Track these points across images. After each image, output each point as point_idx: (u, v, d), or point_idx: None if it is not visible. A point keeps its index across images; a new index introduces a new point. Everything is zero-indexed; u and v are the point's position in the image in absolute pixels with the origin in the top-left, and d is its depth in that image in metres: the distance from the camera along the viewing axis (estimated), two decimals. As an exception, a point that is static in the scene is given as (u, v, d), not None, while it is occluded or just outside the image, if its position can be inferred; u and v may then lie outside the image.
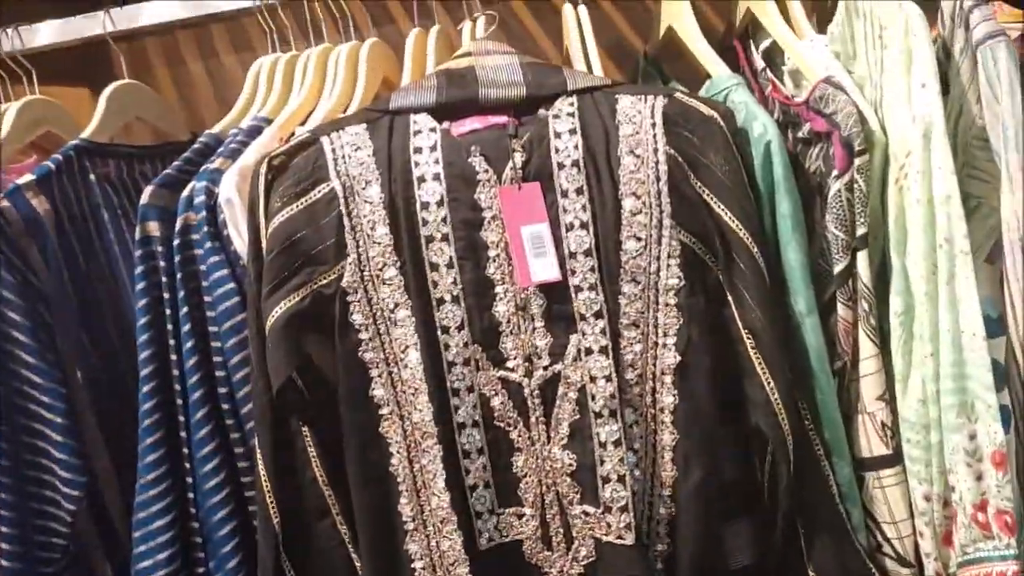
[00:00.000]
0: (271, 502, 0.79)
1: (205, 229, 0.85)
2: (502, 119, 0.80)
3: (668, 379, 0.78)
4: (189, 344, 0.85)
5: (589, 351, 0.77)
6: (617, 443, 0.77)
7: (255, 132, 0.95)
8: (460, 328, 0.78)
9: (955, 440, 0.74)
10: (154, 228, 0.87)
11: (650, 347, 0.78)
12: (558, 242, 0.77)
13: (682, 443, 0.78)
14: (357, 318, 0.78)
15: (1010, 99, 0.72)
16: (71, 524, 0.89)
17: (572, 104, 0.80)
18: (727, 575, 0.80)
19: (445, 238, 0.77)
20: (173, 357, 0.86)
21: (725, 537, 0.80)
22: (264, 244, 0.79)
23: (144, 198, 0.88)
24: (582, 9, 0.96)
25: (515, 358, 0.78)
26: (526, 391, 0.78)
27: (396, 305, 0.78)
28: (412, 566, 0.80)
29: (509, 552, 0.80)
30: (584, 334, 0.77)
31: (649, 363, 0.79)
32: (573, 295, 0.77)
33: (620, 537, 0.77)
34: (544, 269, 0.76)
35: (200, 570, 0.87)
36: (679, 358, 0.78)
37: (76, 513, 0.89)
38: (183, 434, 0.86)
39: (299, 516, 0.81)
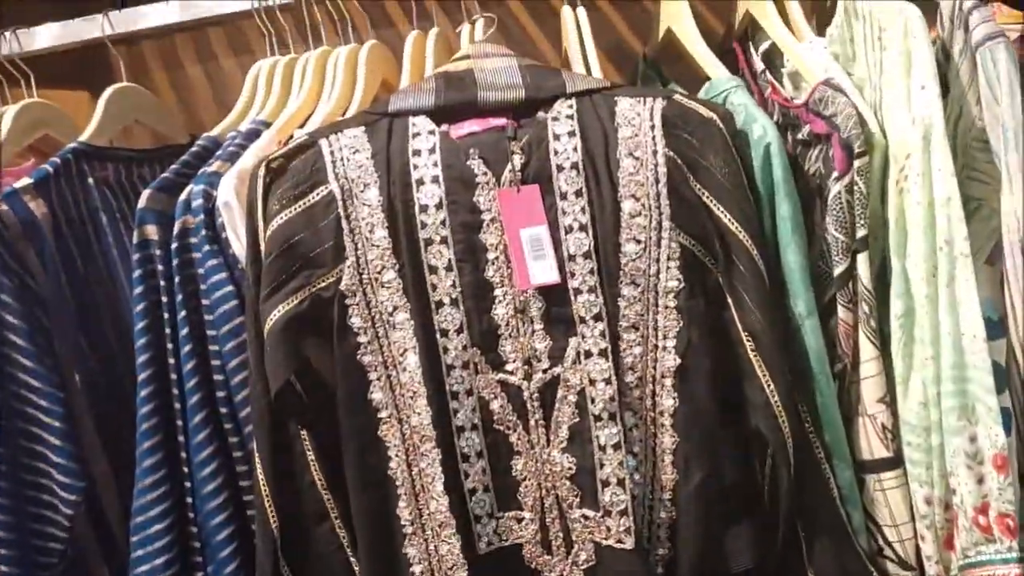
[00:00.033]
0: (269, 506, 0.79)
1: (203, 232, 0.85)
2: (501, 121, 0.80)
3: (668, 382, 0.78)
4: (187, 348, 0.85)
5: (588, 354, 0.77)
6: (617, 446, 0.77)
7: (253, 135, 0.95)
8: (459, 331, 0.77)
9: (956, 443, 0.74)
10: (152, 232, 0.87)
11: (650, 350, 0.78)
12: (557, 244, 0.77)
13: (682, 446, 0.78)
14: (356, 321, 0.78)
15: (1010, 100, 0.72)
16: (69, 528, 0.88)
17: (571, 106, 0.79)
18: (728, 578, 0.80)
19: (444, 241, 0.77)
20: (171, 361, 0.86)
21: (725, 540, 0.79)
22: (262, 247, 0.79)
23: (142, 202, 0.88)
24: (581, 11, 0.96)
25: (514, 361, 0.78)
26: (525, 394, 0.78)
27: (395, 308, 0.78)
28: (411, 570, 0.79)
29: (508, 556, 0.79)
30: (583, 337, 0.77)
31: (649, 366, 0.78)
32: (572, 298, 0.77)
33: (620, 541, 0.77)
34: (543, 272, 0.76)
35: (198, 575, 0.87)
36: (679, 361, 0.78)
37: (74, 517, 0.88)
38: (181, 438, 0.86)
39: (298, 520, 0.81)
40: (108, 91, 1.06)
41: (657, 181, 0.77)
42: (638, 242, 0.77)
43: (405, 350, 0.78)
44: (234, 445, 0.86)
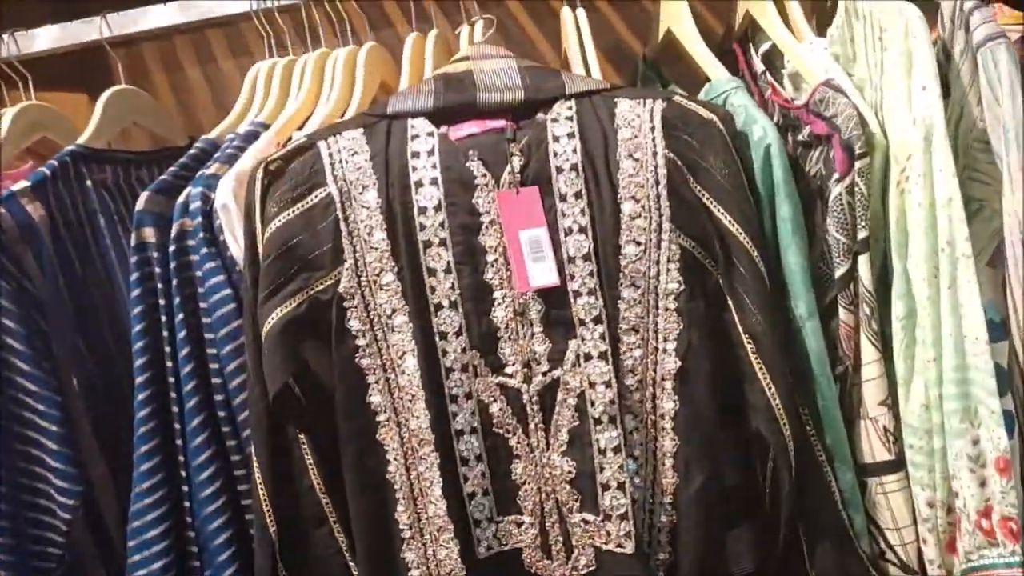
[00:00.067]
0: (268, 510, 0.79)
1: (201, 235, 0.84)
2: (500, 123, 0.79)
3: (668, 384, 0.77)
4: (185, 351, 0.85)
5: (588, 356, 0.76)
6: (617, 450, 0.76)
7: (252, 137, 0.95)
8: (458, 334, 0.77)
9: (958, 446, 0.73)
10: (150, 234, 0.87)
11: (650, 352, 0.78)
12: (556, 246, 0.76)
13: (683, 449, 0.77)
14: (354, 324, 0.77)
15: (1011, 101, 0.72)
16: (67, 533, 0.88)
17: (570, 108, 0.79)
18: (728, 582, 0.79)
19: (443, 243, 0.77)
20: (169, 364, 0.86)
21: (726, 544, 0.79)
22: (260, 249, 0.79)
23: (140, 204, 0.88)
24: (580, 12, 0.96)
25: (514, 364, 0.77)
26: (525, 397, 0.78)
27: (393, 311, 0.77)
28: (409, 575, 0.79)
29: (508, 561, 0.79)
30: (583, 339, 0.76)
31: (649, 368, 0.78)
32: (572, 300, 0.77)
33: (620, 545, 0.77)
34: (543, 274, 0.76)
35: (196, 579, 0.87)
36: (679, 363, 0.77)
37: (72, 522, 0.88)
38: (179, 442, 0.86)
39: (296, 524, 0.81)
40: (106, 93, 1.06)
41: (657, 183, 0.76)
42: (638, 244, 0.76)
43: (404, 353, 0.77)
44: (232, 449, 0.86)
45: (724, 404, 0.78)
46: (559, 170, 0.77)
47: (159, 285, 0.86)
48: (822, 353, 0.78)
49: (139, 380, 0.85)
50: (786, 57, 0.92)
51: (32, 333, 0.88)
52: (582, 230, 0.76)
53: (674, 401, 0.77)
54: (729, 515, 0.79)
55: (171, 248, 0.85)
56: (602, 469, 0.77)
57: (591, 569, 0.78)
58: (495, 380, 0.78)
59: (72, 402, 0.91)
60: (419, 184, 0.77)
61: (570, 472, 0.77)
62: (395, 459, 0.79)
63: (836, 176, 0.76)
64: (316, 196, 0.78)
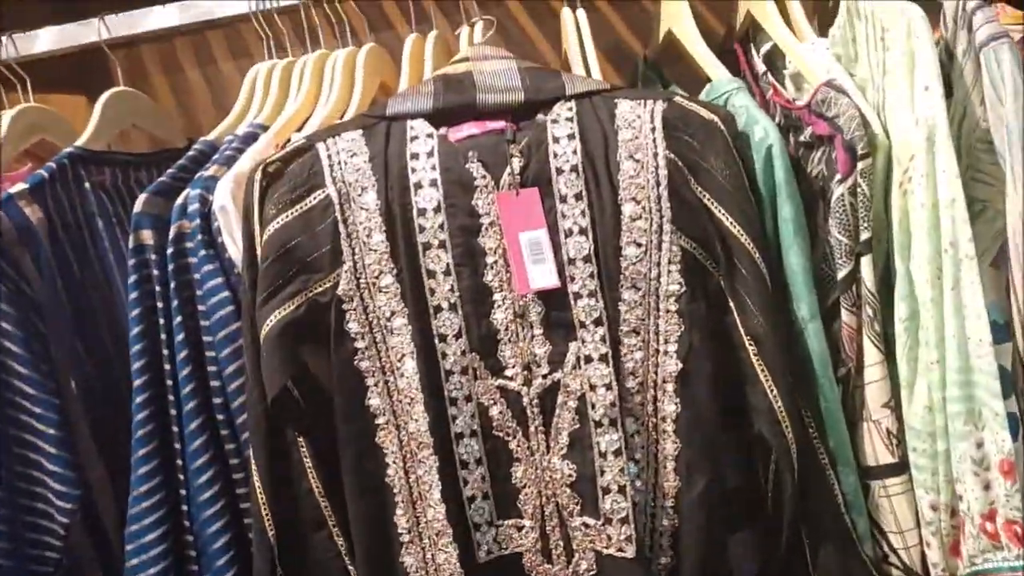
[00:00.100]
0: (266, 514, 0.78)
1: (199, 237, 0.84)
2: (500, 124, 0.79)
3: (670, 387, 0.77)
4: (183, 354, 0.84)
5: (589, 359, 0.76)
6: (617, 453, 0.76)
7: (250, 139, 0.94)
8: (458, 336, 0.76)
9: (962, 448, 0.73)
10: (148, 236, 0.86)
11: (651, 354, 0.77)
12: (557, 248, 0.76)
13: (684, 452, 0.77)
14: (353, 326, 0.77)
15: (1014, 101, 0.71)
16: (64, 537, 0.88)
17: (571, 109, 0.79)
18: (731, 586, 0.79)
19: (442, 245, 0.76)
20: (167, 367, 0.85)
21: (729, 548, 0.78)
22: (259, 252, 0.78)
23: (138, 206, 0.87)
24: (580, 13, 0.96)
25: (514, 366, 0.77)
26: (525, 400, 0.77)
27: (392, 313, 0.77)
28: (408, 579, 0.78)
29: (508, 565, 0.78)
30: (584, 341, 0.76)
31: (650, 371, 0.77)
32: (572, 302, 0.76)
33: (621, 550, 0.76)
34: (543, 276, 0.75)
35: (194, 583, 0.86)
36: (680, 365, 0.77)
37: (69, 526, 0.88)
38: (177, 445, 0.85)
39: (295, 528, 0.80)
40: (105, 95, 1.06)
41: (658, 184, 0.76)
42: (639, 245, 0.76)
43: (403, 355, 0.77)
44: (230, 452, 0.86)
45: (726, 406, 0.77)
46: (559, 171, 0.77)
47: (157, 287, 0.85)
48: (824, 355, 0.77)
49: (137, 383, 0.85)
50: (788, 57, 0.91)
51: (30, 336, 0.87)
52: (582, 232, 0.76)
53: (675, 404, 0.77)
54: (731, 518, 0.78)
55: (169, 250, 0.85)
56: (603, 472, 0.76)
57: (592, 573, 0.77)
58: (495, 383, 0.77)
59: (70, 405, 0.90)
60: (418, 186, 0.77)
61: (570, 475, 0.77)
62: (394, 462, 0.78)
63: (838, 177, 0.75)
64: (315, 198, 0.78)
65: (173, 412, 0.85)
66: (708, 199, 0.76)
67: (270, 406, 0.77)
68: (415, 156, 0.78)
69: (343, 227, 0.77)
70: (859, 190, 0.75)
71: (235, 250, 0.84)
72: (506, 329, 0.77)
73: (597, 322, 0.76)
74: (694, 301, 0.77)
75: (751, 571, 0.78)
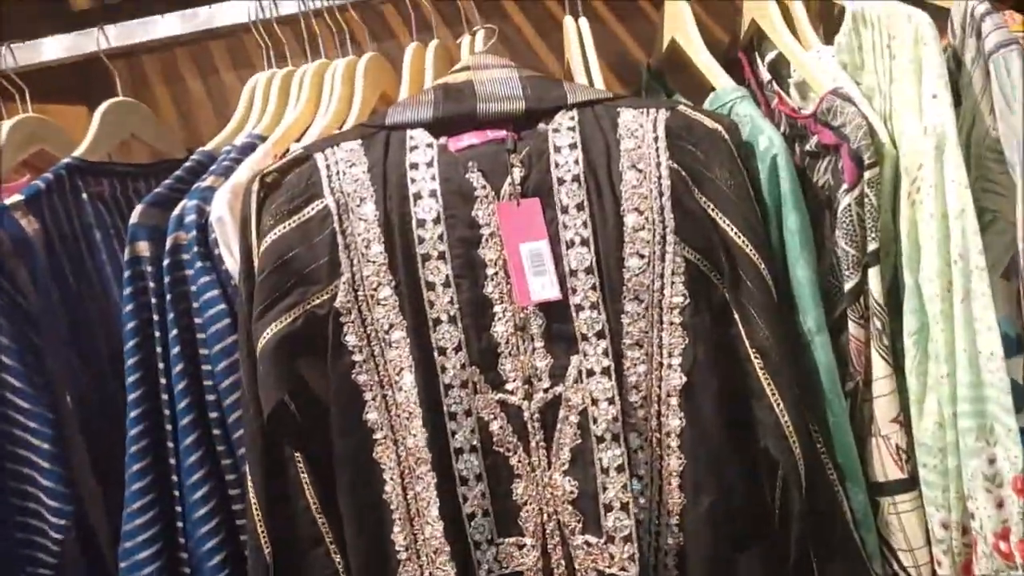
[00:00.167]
0: (262, 531, 0.77)
1: (196, 249, 0.83)
2: (500, 134, 0.78)
3: (674, 401, 0.76)
4: (179, 367, 0.83)
5: (591, 372, 0.75)
6: (620, 469, 0.74)
7: (248, 149, 0.93)
8: (457, 349, 0.75)
9: (974, 465, 0.71)
10: (144, 248, 0.86)
11: (655, 368, 0.76)
12: (558, 260, 0.75)
13: (689, 468, 0.75)
14: (351, 339, 0.76)
15: (1024, 109, 0.70)
16: (58, 553, 0.86)
17: (572, 118, 0.78)
18: (737, 606, 0.77)
19: (442, 256, 0.75)
20: (162, 381, 0.84)
21: (735, 566, 0.77)
22: (256, 263, 0.77)
23: (134, 217, 0.86)
24: (583, 22, 0.95)
25: (514, 380, 0.76)
26: (526, 415, 0.76)
27: (391, 326, 0.76)
28: (406, 598, 0.77)
29: (509, 584, 0.77)
30: (585, 355, 0.75)
31: (654, 384, 0.76)
32: (574, 314, 0.75)
33: (624, 569, 0.74)
34: (544, 288, 0.74)
35: (189, 600, 0.85)
36: (685, 379, 0.75)
37: (63, 542, 0.86)
38: (172, 460, 0.84)
39: (291, 545, 0.79)
40: (104, 105, 1.05)
41: (661, 194, 0.75)
42: (642, 257, 0.75)
43: (401, 369, 0.75)
44: (226, 467, 0.84)
45: (732, 421, 0.76)
46: (561, 181, 0.76)
47: (152, 300, 0.84)
48: (832, 369, 0.76)
49: (132, 397, 0.84)
50: (793, 66, 0.90)
51: (24, 349, 0.86)
52: (584, 243, 0.75)
53: (680, 418, 0.75)
54: (737, 536, 0.76)
55: (165, 262, 0.84)
56: (605, 489, 0.75)
57: (594, 593, 0.76)
58: (495, 397, 0.76)
59: (66, 418, 0.89)
60: (418, 196, 0.76)
61: (572, 492, 0.75)
62: (392, 478, 0.77)
63: (845, 187, 0.74)
64: (313, 208, 0.77)
65: (168, 426, 0.84)
66: (712, 209, 0.75)
67: (266, 421, 0.76)
68: (414, 166, 0.77)
69: (341, 238, 0.76)
70: (866, 200, 0.74)
71: (232, 262, 0.83)
72: (507, 342, 0.75)
73: (599, 335, 0.74)
74: (698, 313, 0.75)
75: (758, 590, 0.77)
